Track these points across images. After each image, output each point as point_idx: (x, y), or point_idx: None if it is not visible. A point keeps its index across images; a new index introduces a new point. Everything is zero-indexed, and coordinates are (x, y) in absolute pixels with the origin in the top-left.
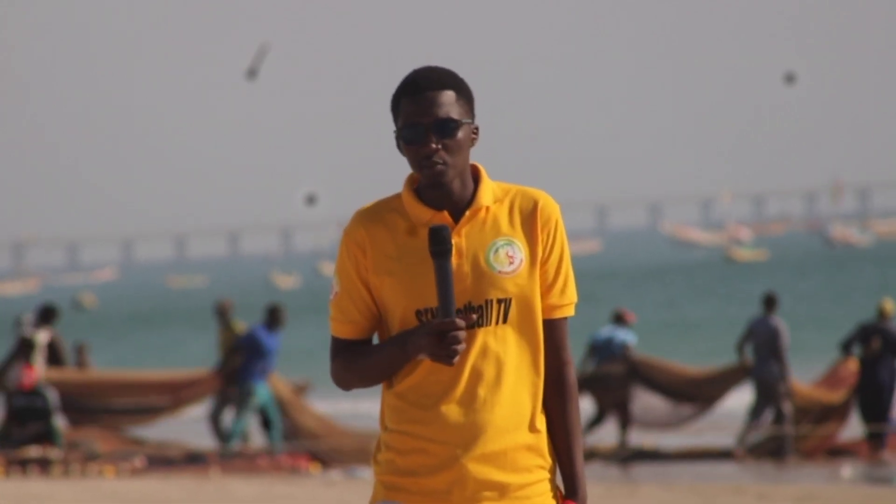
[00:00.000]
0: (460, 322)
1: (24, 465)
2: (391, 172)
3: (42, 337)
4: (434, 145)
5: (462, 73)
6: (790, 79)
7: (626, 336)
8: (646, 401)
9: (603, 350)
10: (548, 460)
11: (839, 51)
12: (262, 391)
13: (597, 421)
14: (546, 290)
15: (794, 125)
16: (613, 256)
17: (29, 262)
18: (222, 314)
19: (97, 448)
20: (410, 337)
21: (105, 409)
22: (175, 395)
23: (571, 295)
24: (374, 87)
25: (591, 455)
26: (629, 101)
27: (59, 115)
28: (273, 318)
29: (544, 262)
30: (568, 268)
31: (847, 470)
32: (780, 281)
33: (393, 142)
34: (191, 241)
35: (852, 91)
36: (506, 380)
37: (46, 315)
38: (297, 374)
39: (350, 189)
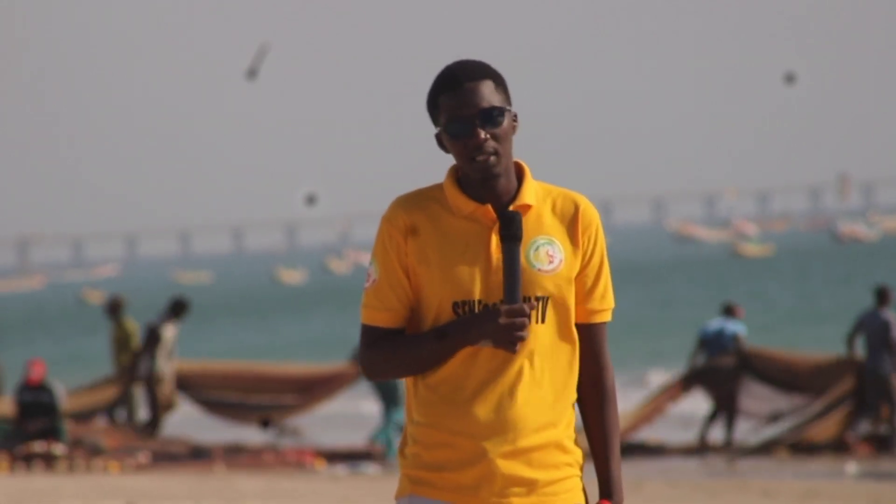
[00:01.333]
0: (527, 308)
1: (28, 460)
2: (394, 169)
3: (169, 331)
4: (482, 136)
5: None
6: (790, 79)
7: (736, 328)
8: (756, 391)
9: (713, 343)
10: (577, 459)
11: (843, 47)
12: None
13: (713, 416)
14: (586, 294)
15: (798, 122)
16: (618, 252)
17: (34, 260)
18: (115, 311)
19: (102, 444)
20: (475, 322)
21: (240, 403)
22: (309, 392)
23: (610, 300)
24: (375, 83)
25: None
26: (633, 98)
27: (63, 112)
28: None
29: (585, 266)
30: (608, 273)
31: (852, 467)
32: (792, 276)
33: (395, 138)
34: (195, 238)
35: (856, 87)
36: (539, 377)
37: (176, 308)
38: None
39: (354, 185)
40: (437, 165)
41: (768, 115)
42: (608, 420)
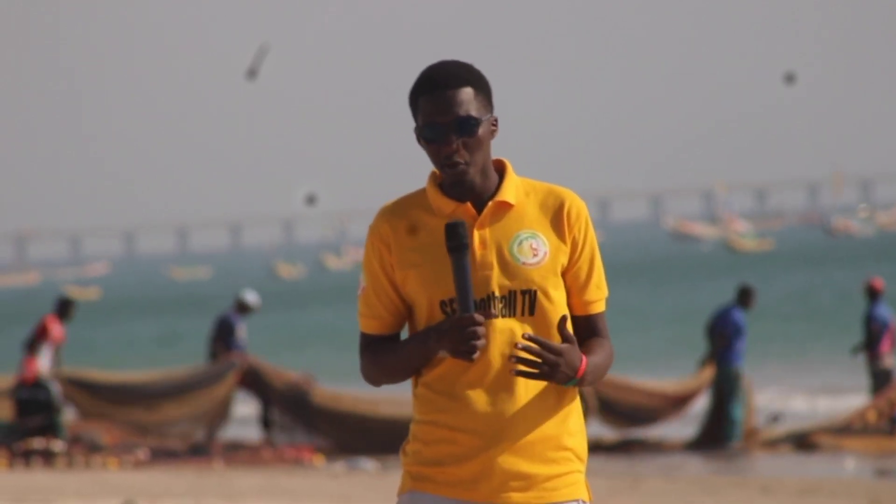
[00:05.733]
0: (479, 317)
1: (27, 457)
2: (391, 165)
3: None
4: (455, 145)
5: None
6: (790, 79)
7: None
8: None
9: None
10: (580, 455)
11: (841, 44)
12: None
13: None
14: (581, 287)
15: (797, 119)
16: (616, 248)
17: (32, 255)
18: None
19: (101, 440)
20: (431, 333)
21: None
22: (680, 404)
23: (604, 289)
24: (372, 80)
25: None
26: (631, 94)
27: (62, 109)
28: (746, 297)
29: (576, 260)
30: (600, 263)
31: (850, 462)
32: (797, 270)
33: (392, 135)
34: (193, 233)
35: (855, 84)
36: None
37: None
38: (302, 363)
39: (352, 182)
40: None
41: (766, 112)
42: (591, 345)
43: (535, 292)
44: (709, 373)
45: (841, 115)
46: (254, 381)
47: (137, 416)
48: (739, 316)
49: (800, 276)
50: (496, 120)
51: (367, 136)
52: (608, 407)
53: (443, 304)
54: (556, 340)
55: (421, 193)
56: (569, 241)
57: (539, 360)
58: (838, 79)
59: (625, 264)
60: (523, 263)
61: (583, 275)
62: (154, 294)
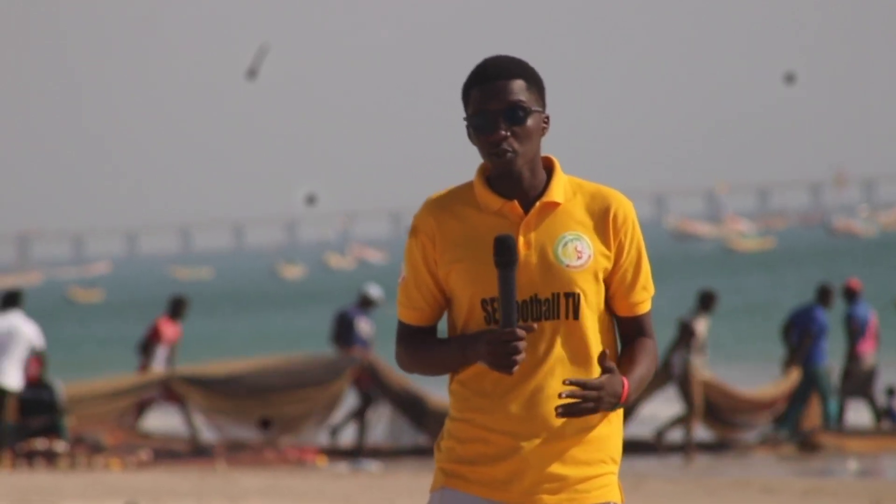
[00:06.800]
0: (521, 332)
1: (30, 458)
2: (393, 165)
3: (702, 325)
4: (503, 132)
5: (464, 69)
6: (790, 79)
7: None
8: None
9: None
10: (613, 457)
11: (843, 43)
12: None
13: None
14: (628, 288)
15: (798, 118)
16: None
17: (34, 256)
18: None
19: (103, 441)
20: (470, 344)
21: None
22: (774, 406)
23: (651, 288)
24: (374, 81)
25: None
26: (634, 94)
27: (64, 108)
28: (826, 296)
29: (621, 263)
30: (646, 263)
31: (853, 464)
32: (798, 270)
33: (394, 135)
34: (196, 234)
35: (857, 83)
36: (572, 373)
37: (706, 301)
38: None
39: (353, 182)
40: (437, 162)
41: (769, 112)
42: (634, 354)
43: (579, 295)
44: (796, 374)
45: (843, 115)
46: (370, 380)
47: (252, 409)
48: (822, 315)
49: (800, 276)
50: (547, 118)
51: (370, 137)
52: (712, 410)
53: (484, 302)
54: (594, 343)
55: (468, 187)
56: (614, 245)
57: (581, 401)
58: (840, 79)
59: None
60: (567, 266)
61: (629, 277)
62: (157, 294)
